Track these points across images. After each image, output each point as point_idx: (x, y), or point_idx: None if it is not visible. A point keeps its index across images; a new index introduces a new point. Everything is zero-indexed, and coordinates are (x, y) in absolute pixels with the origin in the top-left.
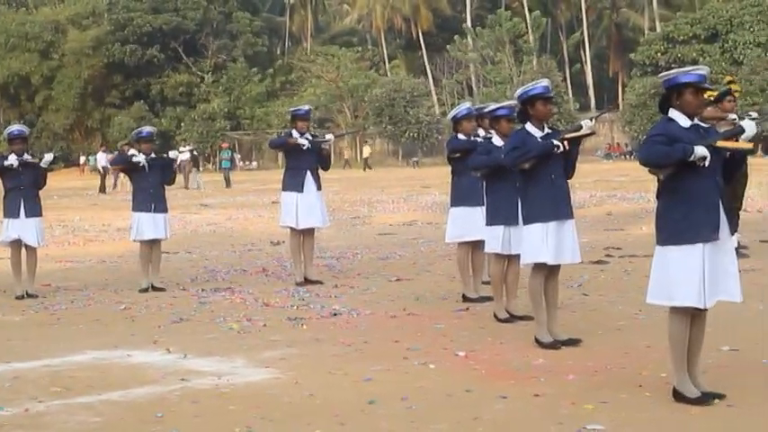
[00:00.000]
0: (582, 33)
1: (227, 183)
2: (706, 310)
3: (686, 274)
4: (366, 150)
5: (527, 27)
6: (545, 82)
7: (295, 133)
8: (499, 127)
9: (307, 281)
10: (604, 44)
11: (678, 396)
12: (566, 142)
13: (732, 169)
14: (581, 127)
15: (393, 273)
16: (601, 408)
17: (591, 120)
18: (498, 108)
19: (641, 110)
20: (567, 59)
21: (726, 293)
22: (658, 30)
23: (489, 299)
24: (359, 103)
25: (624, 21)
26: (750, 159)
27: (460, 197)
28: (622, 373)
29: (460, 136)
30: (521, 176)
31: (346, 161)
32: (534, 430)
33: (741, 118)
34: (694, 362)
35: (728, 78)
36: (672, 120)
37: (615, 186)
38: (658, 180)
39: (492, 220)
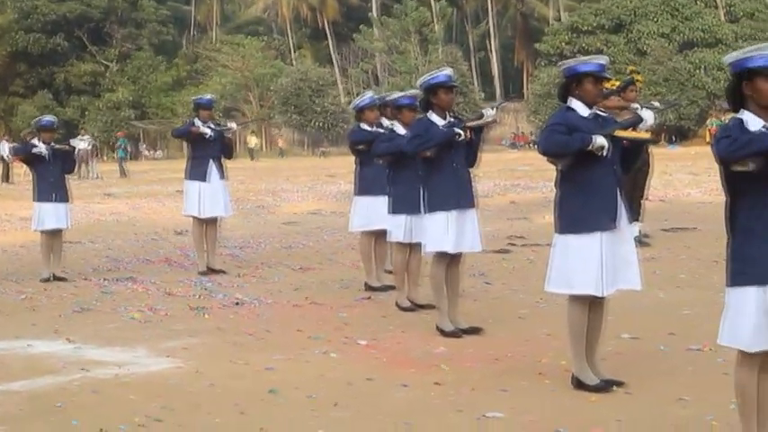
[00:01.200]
0: (488, 23)
1: (123, 172)
2: (604, 298)
3: (584, 262)
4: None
5: (433, 16)
6: (447, 71)
7: (198, 122)
8: (402, 116)
9: (210, 270)
10: (510, 34)
11: (578, 383)
12: (468, 131)
13: (630, 159)
14: (483, 116)
15: (297, 262)
16: (501, 395)
17: (493, 108)
18: (401, 97)
19: (546, 99)
20: (472, 49)
21: (626, 282)
22: (564, 20)
23: (392, 287)
24: (265, 93)
25: (530, 11)
26: (654, 149)
27: (364, 187)
28: (523, 360)
29: (364, 125)
30: (423, 165)
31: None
32: (435, 418)
33: (644, 107)
34: (593, 349)
35: (632, 68)
36: (571, 109)
37: (519, 176)
38: (557, 169)
39: (395, 208)
